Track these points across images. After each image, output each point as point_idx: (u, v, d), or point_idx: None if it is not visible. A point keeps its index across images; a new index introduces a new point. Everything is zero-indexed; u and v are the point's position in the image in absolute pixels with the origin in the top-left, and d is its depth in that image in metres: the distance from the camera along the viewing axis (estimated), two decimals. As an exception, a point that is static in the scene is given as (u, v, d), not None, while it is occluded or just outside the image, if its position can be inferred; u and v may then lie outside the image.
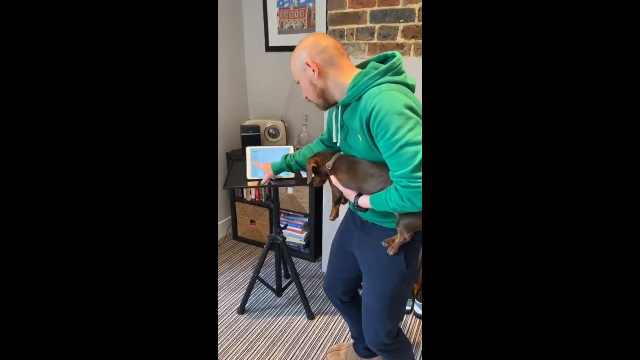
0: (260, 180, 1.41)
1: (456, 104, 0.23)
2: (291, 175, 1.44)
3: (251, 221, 2.26)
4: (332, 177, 0.92)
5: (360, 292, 1.10)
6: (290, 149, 1.48)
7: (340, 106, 0.91)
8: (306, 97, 0.96)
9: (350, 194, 0.92)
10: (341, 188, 0.93)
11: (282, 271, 1.85)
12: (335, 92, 0.90)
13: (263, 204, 2.19)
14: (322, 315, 1.69)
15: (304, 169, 1.25)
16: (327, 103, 0.93)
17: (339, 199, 1.01)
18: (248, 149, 1.46)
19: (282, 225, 1.69)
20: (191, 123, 0.32)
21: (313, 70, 0.87)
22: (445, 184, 0.23)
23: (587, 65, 0.20)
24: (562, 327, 0.20)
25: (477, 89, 0.22)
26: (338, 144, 0.96)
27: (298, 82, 0.94)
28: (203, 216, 0.32)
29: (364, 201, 0.88)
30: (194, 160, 0.32)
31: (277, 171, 1.33)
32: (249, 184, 1.41)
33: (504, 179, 0.22)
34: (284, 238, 1.62)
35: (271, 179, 1.40)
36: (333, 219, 1.02)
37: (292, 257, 2.13)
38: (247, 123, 2.17)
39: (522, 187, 0.21)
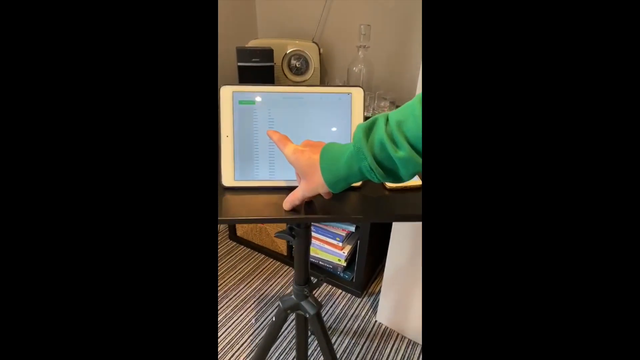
0: (287, 191, 0.46)
1: (457, 103, 0.22)
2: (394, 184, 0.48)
3: (257, 217, 1.36)
4: None
5: None
6: (356, 105, 0.50)
7: None
8: None
9: None
10: None
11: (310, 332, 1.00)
12: None
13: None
14: None
15: None
16: None
17: None
18: (226, 92, 0.48)
19: (315, 280, 0.76)
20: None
21: None
22: (445, 184, 0.22)
23: (587, 65, 0.20)
24: (564, 329, 0.21)
25: (479, 88, 0.22)
26: None
27: None
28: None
29: None
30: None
31: (349, 177, 0.38)
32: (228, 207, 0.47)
33: (505, 179, 0.21)
34: (319, 306, 0.71)
35: (316, 197, 0.44)
36: None
37: (323, 282, 1.23)
38: (252, 44, 1.18)
39: (523, 187, 0.21)
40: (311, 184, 0.41)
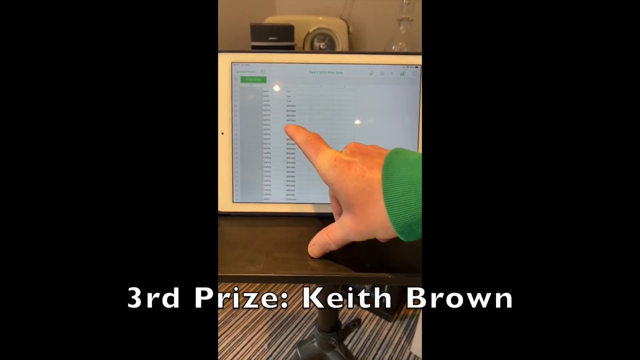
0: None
1: (458, 103, 0.21)
2: None
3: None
4: None
5: None
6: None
7: None
8: None
9: None
10: None
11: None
12: None
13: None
14: None
15: None
16: None
17: None
18: (221, 63, 0.31)
19: (345, 324, 0.58)
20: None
21: None
22: (445, 184, 0.20)
23: (587, 65, 0.20)
24: (565, 331, 0.20)
25: (479, 89, 0.21)
26: None
27: None
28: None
29: None
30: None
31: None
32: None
33: (506, 180, 0.20)
34: (350, 359, 0.54)
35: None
36: None
37: (357, 327, 1.06)
38: (269, 20, 1.02)
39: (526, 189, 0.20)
40: (364, 222, 0.23)
